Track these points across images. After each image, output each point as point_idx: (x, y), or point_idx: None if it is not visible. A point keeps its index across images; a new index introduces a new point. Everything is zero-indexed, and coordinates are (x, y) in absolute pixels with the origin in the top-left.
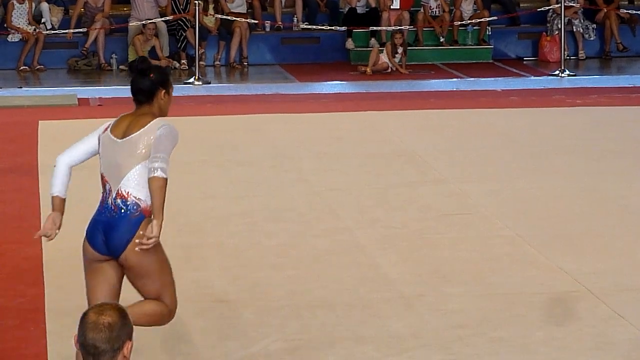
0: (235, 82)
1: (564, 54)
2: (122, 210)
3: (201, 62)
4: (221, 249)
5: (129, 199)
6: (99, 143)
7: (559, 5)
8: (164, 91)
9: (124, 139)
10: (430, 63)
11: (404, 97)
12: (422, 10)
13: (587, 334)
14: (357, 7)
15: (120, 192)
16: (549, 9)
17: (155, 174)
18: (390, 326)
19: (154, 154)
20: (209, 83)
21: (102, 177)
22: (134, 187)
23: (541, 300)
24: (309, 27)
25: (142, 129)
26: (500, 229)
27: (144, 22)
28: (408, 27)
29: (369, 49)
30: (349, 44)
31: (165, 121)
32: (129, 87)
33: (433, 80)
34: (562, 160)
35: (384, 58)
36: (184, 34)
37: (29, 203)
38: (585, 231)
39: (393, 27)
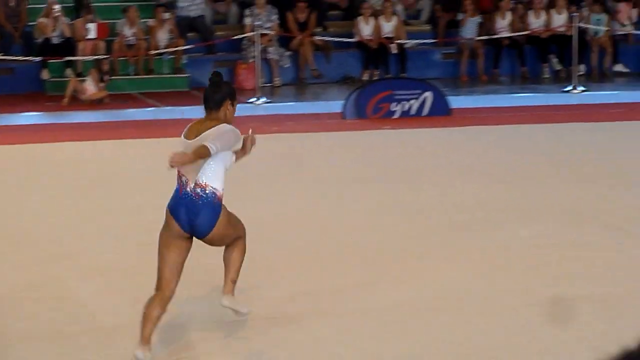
0: None
1: (260, 81)
2: (203, 197)
3: None
4: None
5: (207, 188)
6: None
7: (254, 33)
8: (230, 102)
9: (196, 138)
10: (126, 93)
11: (101, 127)
12: (117, 39)
13: (282, 358)
14: (52, 38)
15: (198, 182)
16: (244, 37)
17: (207, 144)
18: (90, 359)
19: (212, 140)
20: None
21: (178, 171)
22: (209, 179)
23: (238, 327)
24: (4, 57)
25: (212, 129)
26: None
27: None
28: (104, 55)
29: (64, 79)
30: (45, 74)
31: (231, 126)
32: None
33: (130, 110)
34: (276, 185)
35: (90, 86)
36: None
37: None
38: (288, 256)
39: (89, 57)
